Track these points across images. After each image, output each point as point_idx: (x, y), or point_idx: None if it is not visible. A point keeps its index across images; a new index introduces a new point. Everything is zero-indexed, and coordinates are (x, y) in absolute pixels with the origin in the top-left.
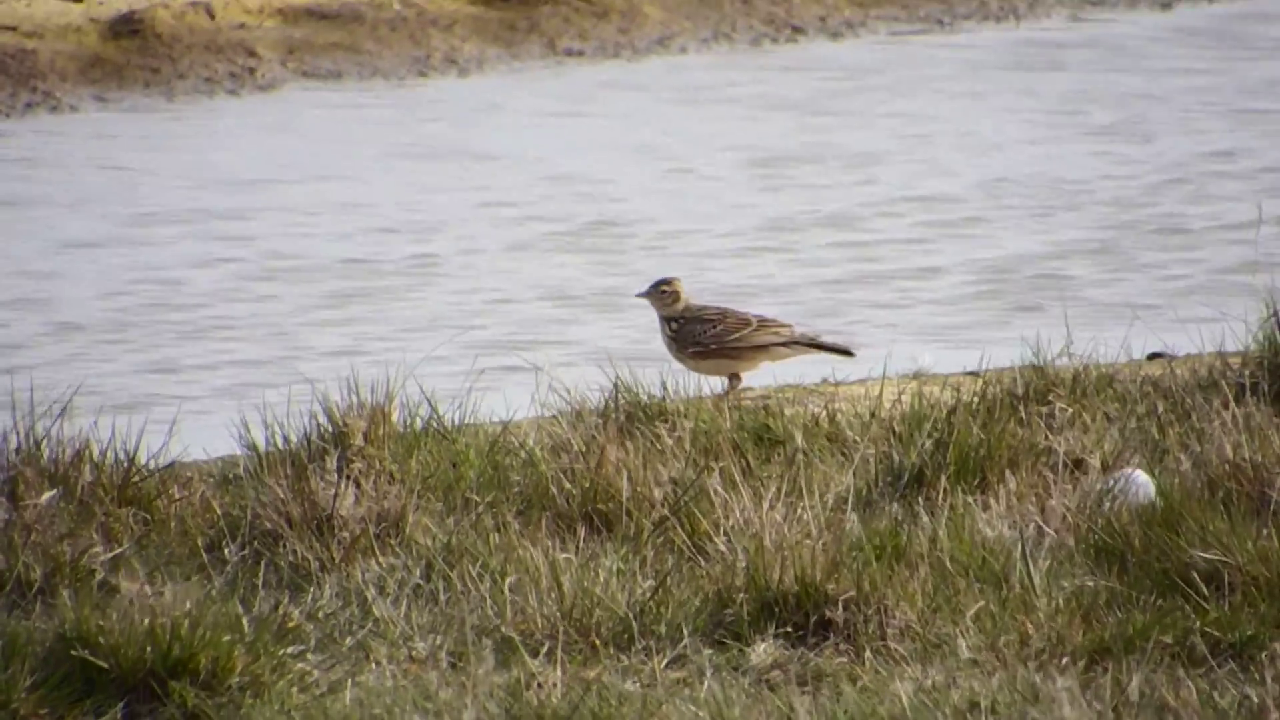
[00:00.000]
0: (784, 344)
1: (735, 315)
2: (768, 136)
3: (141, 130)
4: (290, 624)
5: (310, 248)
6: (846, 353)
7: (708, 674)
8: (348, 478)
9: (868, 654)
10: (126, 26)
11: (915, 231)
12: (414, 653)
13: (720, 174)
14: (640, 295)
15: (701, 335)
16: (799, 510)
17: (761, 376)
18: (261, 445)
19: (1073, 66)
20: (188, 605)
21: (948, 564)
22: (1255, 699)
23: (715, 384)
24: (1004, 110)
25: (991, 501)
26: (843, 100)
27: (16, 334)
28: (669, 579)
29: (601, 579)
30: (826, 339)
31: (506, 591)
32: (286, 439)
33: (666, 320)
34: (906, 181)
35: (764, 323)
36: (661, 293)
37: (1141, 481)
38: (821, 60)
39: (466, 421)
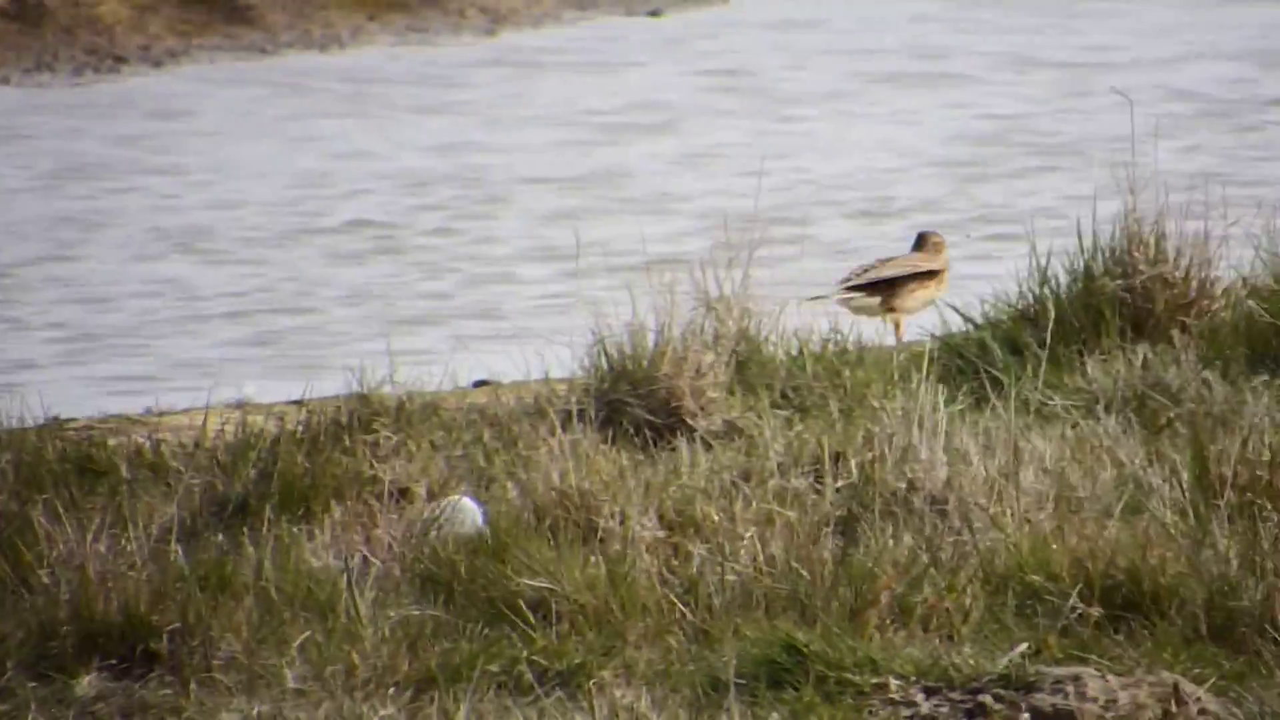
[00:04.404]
0: None
1: None
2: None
3: None
4: None
5: None
6: None
7: (33, 707)
8: None
9: (193, 685)
10: None
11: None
12: None
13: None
14: None
15: None
16: (124, 542)
17: (89, 408)
18: None
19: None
20: None
21: (274, 594)
22: None
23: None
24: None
25: (317, 531)
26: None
27: None
28: None
29: None
30: None
31: None
32: None
33: None
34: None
35: None
36: None
37: (469, 510)
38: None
39: None
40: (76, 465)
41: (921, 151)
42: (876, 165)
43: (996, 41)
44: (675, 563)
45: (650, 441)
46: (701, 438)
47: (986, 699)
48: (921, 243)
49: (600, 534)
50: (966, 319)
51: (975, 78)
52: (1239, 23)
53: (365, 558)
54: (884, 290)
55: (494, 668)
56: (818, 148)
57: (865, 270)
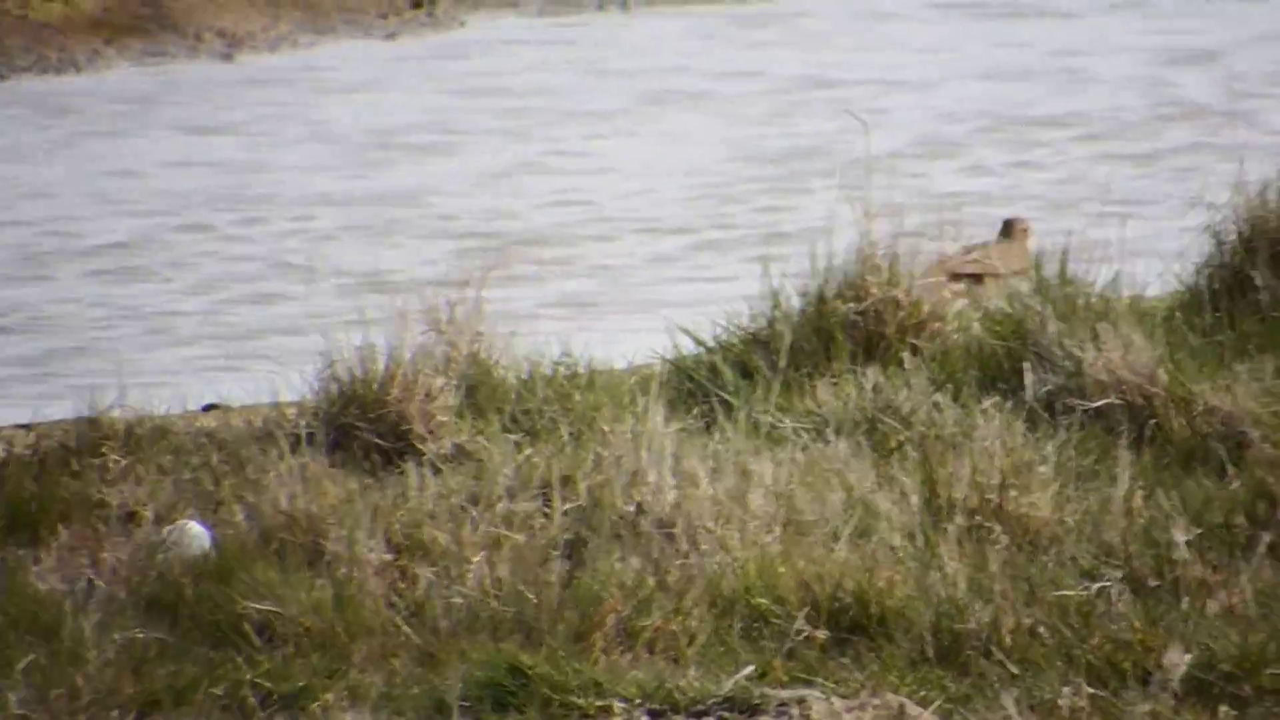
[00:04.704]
0: None
1: None
2: None
3: None
4: None
5: None
6: None
7: None
8: None
9: None
10: None
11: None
12: None
13: None
14: None
15: None
16: None
17: None
18: None
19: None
20: None
21: None
22: None
23: None
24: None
25: (43, 555)
26: None
27: None
28: None
29: None
30: None
31: None
32: None
33: None
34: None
35: None
36: None
37: (197, 533)
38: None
39: None
40: None
41: (701, 170)
42: (653, 185)
43: (780, 62)
44: (402, 586)
45: (379, 465)
46: (430, 461)
47: None
48: (1009, 229)
49: (328, 557)
50: (698, 342)
51: (753, 96)
52: (1021, 40)
53: (91, 581)
54: (968, 280)
55: (218, 690)
56: (591, 168)
57: (945, 260)
